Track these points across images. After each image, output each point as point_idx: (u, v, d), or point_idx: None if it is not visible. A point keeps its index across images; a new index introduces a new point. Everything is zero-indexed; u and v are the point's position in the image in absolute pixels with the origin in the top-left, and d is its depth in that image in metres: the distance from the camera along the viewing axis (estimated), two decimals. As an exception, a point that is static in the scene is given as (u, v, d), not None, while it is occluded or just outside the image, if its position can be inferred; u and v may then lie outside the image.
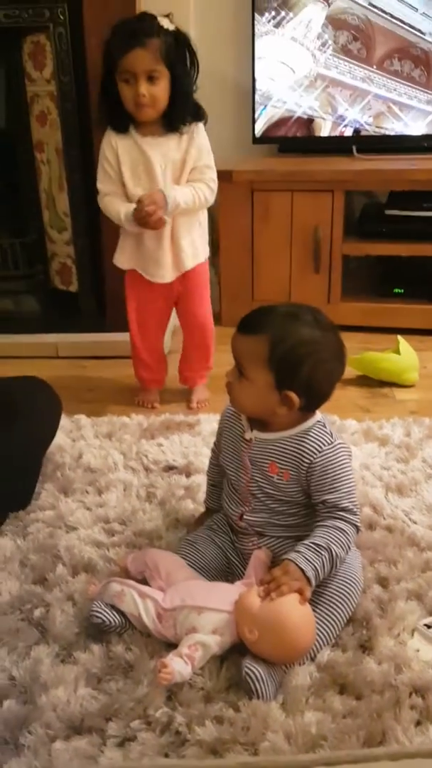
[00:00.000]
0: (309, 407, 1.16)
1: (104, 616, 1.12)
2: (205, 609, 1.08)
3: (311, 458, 1.14)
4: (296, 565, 1.07)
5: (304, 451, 1.15)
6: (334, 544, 1.09)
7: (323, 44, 2.47)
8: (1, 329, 2.46)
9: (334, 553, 1.09)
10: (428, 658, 1.09)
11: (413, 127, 2.56)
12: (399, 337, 2.15)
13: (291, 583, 1.05)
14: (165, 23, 1.68)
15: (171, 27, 1.68)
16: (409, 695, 1.02)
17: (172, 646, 1.09)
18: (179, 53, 1.69)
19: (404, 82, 2.51)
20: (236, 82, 2.64)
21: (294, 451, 1.15)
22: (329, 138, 2.63)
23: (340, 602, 1.13)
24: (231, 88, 2.65)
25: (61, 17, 2.19)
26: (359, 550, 1.29)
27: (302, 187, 2.43)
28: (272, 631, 1.03)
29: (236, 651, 1.08)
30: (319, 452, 1.14)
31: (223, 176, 2.44)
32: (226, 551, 1.26)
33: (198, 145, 1.79)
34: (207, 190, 1.81)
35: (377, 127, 2.57)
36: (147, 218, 1.71)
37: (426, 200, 2.43)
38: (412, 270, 2.54)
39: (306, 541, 1.10)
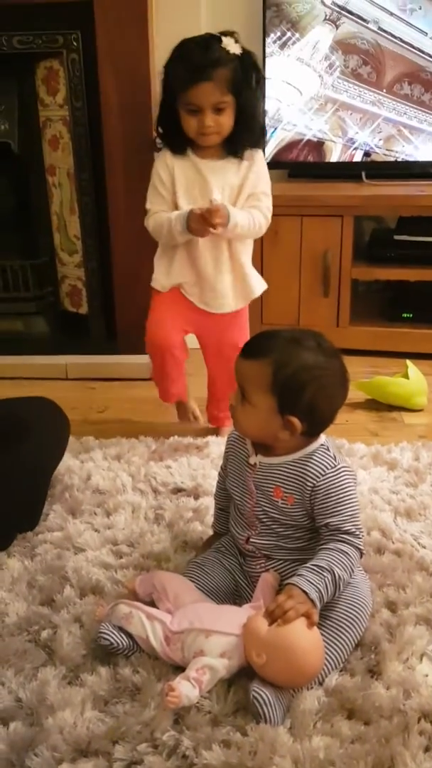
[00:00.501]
0: (311, 432, 1.16)
1: (112, 638, 1.12)
2: (213, 632, 1.07)
3: (314, 481, 1.14)
4: (299, 588, 1.06)
5: (307, 475, 1.15)
6: (337, 566, 1.09)
7: (330, 66, 2.50)
8: (12, 350, 2.48)
9: (336, 575, 1.08)
10: (437, 684, 1.08)
11: (423, 150, 2.58)
12: (408, 361, 2.15)
13: (297, 607, 1.04)
14: (231, 47, 1.56)
15: (238, 51, 1.57)
16: (417, 721, 1.01)
17: (179, 669, 1.09)
18: (246, 77, 1.59)
19: (414, 105, 2.52)
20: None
21: (298, 475, 1.15)
22: (339, 164, 2.66)
23: (348, 626, 1.13)
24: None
25: (75, 43, 2.23)
26: (367, 574, 1.29)
27: (312, 212, 2.45)
28: (280, 655, 1.02)
29: (244, 674, 1.07)
30: (322, 476, 1.14)
31: (233, 201, 2.48)
32: (234, 574, 1.25)
33: (257, 171, 1.71)
34: (262, 218, 1.73)
35: (387, 150, 2.59)
36: (206, 228, 1.58)
37: (435, 226, 2.45)
38: (420, 295, 2.55)
39: (308, 564, 1.10)
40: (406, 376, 2.11)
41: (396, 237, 2.52)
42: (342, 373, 1.15)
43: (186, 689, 1.01)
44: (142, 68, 2.21)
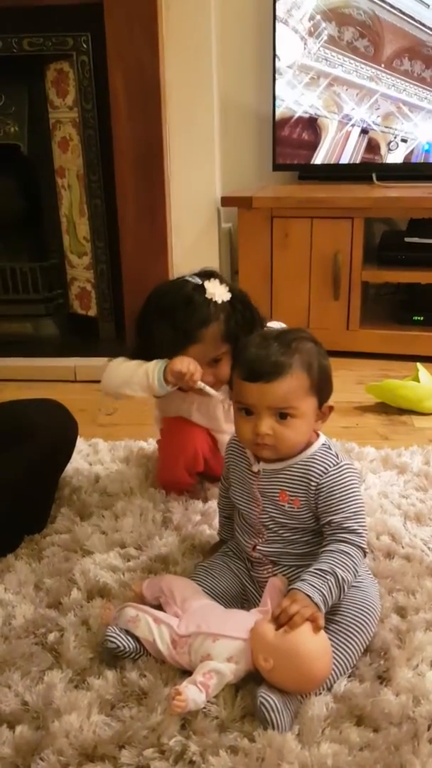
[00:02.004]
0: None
1: (118, 641, 1.11)
2: (220, 636, 1.06)
3: (318, 480, 1.13)
4: (303, 593, 1.05)
5: (311, 475, 1.14)
6: (339, 568, 1.07)
7: (318, 35, 2.39)
8: (21, 352, 2.48)
9: (340, 577, 1.07)
10: (448, 690, 1.07)
11: (423, 128, 2.49)
12: (418, 364, 2.14)
13: (302, 611, 1.03)
14: (217, 295, 1.38)
15: (226, 297, 1.39)
16: (427, 728, 1.00)
17: (186, 673, 1.08)
18: (242, 318, 1.42)
19: (415, 82, 2.43)
20: (256, 110, 2.67)
21: (301, 477, 1.15)
22: (349, 165, 2.65)
23: (356, 630, 1.11)
24: (251, 116, 2.69)
25: (84, 45, 2.24)
26: (377, 578, 1.27)
27: (322, 213, 2.44)
28: (288, 660, 1.01)
29: (252, 680, 1.06)
30: (325, 473, 1.13)
31: (243, 203, 2.48)
32: (241, 578, 1.24)
33: None
34: None
35: (386, 127, 2.50)
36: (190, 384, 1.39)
37: (445, 228, 2.44)
38: (431, 298, 2.54)
39: (310, 569, 1.08)
40: (416, 379, 2.10)
41: (407, 239, 2.51)
42: (316, 340, 1.18)
43: (193, 694, 1.00)
44: (151, 70, 2.21)
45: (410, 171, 2.63)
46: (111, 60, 2.21)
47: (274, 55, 2.51)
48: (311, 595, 1.04)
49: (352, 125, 2.57)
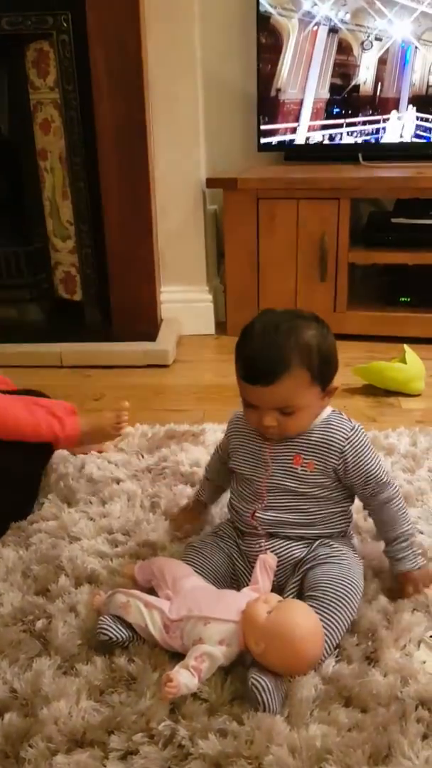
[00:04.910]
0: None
1: (111, 632, 1.11)
2: (211, 619, 1.06)
3: (341, 445, 1.18)
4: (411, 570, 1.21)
5: (331, 440, 1.18)
6: (406, 524, 1.23)
7: None
8: (6, 338, 2.46)
9: (411, 531, 1.23)
10: (435, 670, 1.08)
11: (398, 25, 2.33)
12: (405, 346, 2.13)
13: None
14: None
15: None
16: (415, 708, 1.00)
17: (175, 657, 1.08)
18: None
19: None
20: (241, 90, 2.64)
21: (320, 442, 1.19)
22: (335, 146, 2.63)
23: (337, 607, 1.11)
24: (235, 96, 2.65)
25: (65, 24, 2.20)
26: (365, 559, 1.28)
27: (308, 195, 2.43)
28: (278, 642, 1.01)
29: (240, 663, 1.06)
30: (347, 439, 1.18)
31: (228, 184, 2.46)
32: (232, 557, 1.25)
33: None
34: None
35: (357, 25, 2.32)
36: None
37: (432, 208, 2.43)
38: (418, 278, 2.53)
39: (395, 541, 1.22)
40: (403, 360, 2.10)
41: (393, 220, 2.50)
42: (323, 322, 1.19)
43: (185, 678, 1.00)
44: (133, 50, 2.18)
45: (397, 151, 2.61)
46: (92, 39, 2.17)
47: (258, 33, 2.47)
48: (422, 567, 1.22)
49: (317, 24, 2.38)
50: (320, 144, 2.63)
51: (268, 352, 1.11)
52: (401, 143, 2.59)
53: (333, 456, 1.18)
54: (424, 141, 2.57)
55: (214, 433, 1.80)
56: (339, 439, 1.18)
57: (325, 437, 1.19)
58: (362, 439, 1.20)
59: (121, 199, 2.34)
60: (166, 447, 1.75)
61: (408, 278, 2.55)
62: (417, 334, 2.43)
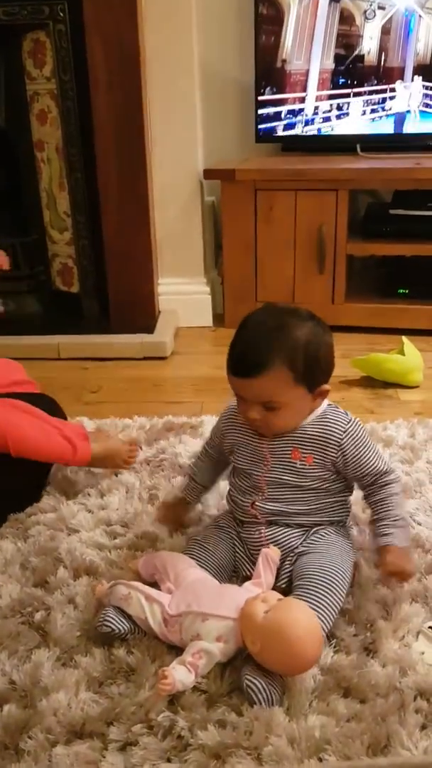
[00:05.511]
0: (327, 381, 1.20)
1: (113, 624, 1.11)
2: (209, 616, 1.06)
3: (339, 438, 1.18)
4: (397, 546, 1.17)
5: (329, 433, 1.19)
6: (399, 508, 1.22)
7: None
8: (3, 330, 2.45)
9: (404, 515, 1.22)
10: (434, 661, 1.08)
11: None
12: (404, 338, 2.13)
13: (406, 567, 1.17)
14: None
15: None
16: (414, 699, 1.01)
17: (174, 649, 1.08)
18: None
19: None
20: (239, 80, 2.62)
21: (317, 435, 1.19)
22: (333, 137, 2.62)
23: (325, 596, 1.11)
24: (233, 86, 2.64)
25: (61, 14, 2.18)
26: (363, 551, 1.28)
27: (306, 186, 2.42)
28: (275, 643, 1.00)
29: (239, 656, 1.06)
30: (344, 431, 1.19)
31: (226, 175, 2.45)
32: (233, 547, 1.26)
33: None
34: None
35: None
36: None
37: (431, 200, 2.42)
38: (417, 270, 2.53)
39: (386, 520, 1.20)
40: (401, 352, 2.09)
41: (392, 211, 2.50)
42: (321, 322, 1.18)
43: (181, 675, 1.00)
44: (130, 39, 2.16)
45: (395, 142, 2.60)
46: (89, 29, 2.16)
47: (257, 23, 2.46)
48: (405, 546, 1.19)
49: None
50: (318, 135, 2.61)
51: (253, 347, 1.13)
52: (399, 134, 2.58)
53: (331, 450, 1.19)
54: (423, 132, 2.55)
55: (212, 425, 1.78)
56: (337, 433, 1.19)
57: (323, 431, 1.19)
58: (360, 432, 1.20)
59: (119, 191, 2.33)
60: (165, 439, 1.75)
61: (406, 270, 2.55)
62: (415, 326, 2.42)
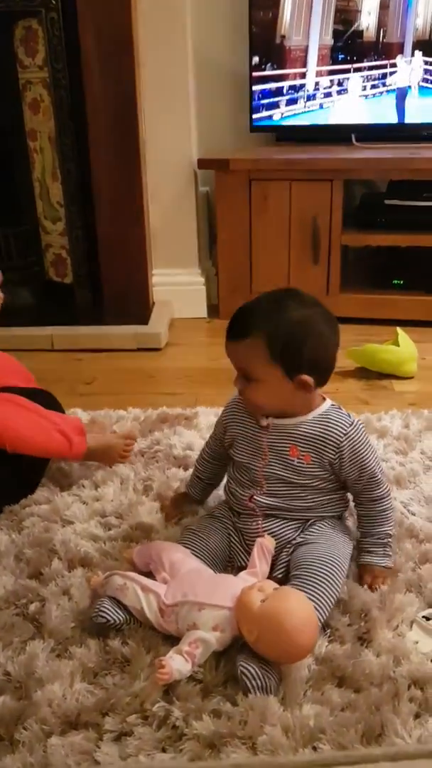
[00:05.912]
0: (321, 382, 1.19)
1: (109, 615, 1.10)
2: (206, 605, 1.06)
3: (339, 440, 1.18)
4: (379, 566, 1.21)
5: (329, 434, 1.18)
6: (388, 526, 1.24)
7: None
8: (-4, 321, 2.44)
9: (391, 534, 1.24)
10: (427, 650, 1.08)
11: None
12: (398, 328, 2.13)
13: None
14: None
15: None
16: (408, 688, 1.01)
17: (169, 639, 1.08)
18: None
19: None
20: (233, 70, 2.61)
21: (317, 435, 1.19)
22: (328, 126, 2.61)
23: (322, 586, 1.11)
24: (227, 76, 2.62)
25: (54, 2, 2.16)
26: (356, 541, 1.28)
27: (301, 176, 2.41)
28: (271, 632, 1.00)
29: (234, 646, 1.06)
30: (345, 434, 1.18)
31: (220, 165, 2.43)
32: (230, 537, 1.26)
33: None
34: None
35: None
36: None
37: (426, 190, 2.41)
38: (411, 261, 2.52)
39: (370, 537, 1.23)
40: (396, 343, 2.09)
41: (387, 201, 2.49)
42: (328, 317, 1.18)
43: (178, 664, 1.00)
44: (123, 28, 2.15)
45: (390, 132, 2.59)
46: (81, 16, 2.14)
47: (250, 11, 2.44)
48: (387, 566, 1.22)
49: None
50: (313, 124, 2.60)
51: (245, 313, 1.16)
52: (394, 124, 2.57)
53: (330, 450, 1.18)
54: (418, 123, 2.54)
55: (207, 416, 1.80)
56: (337, 434, 1.18)
57: (323, 431, 1.19)
58: (360, 436, 1.20)
59: (112, 181, 2.32)
60: (159, 430, 1.75)
61: (401, 261, 2.54)
62: (409, 317, 2.42)
